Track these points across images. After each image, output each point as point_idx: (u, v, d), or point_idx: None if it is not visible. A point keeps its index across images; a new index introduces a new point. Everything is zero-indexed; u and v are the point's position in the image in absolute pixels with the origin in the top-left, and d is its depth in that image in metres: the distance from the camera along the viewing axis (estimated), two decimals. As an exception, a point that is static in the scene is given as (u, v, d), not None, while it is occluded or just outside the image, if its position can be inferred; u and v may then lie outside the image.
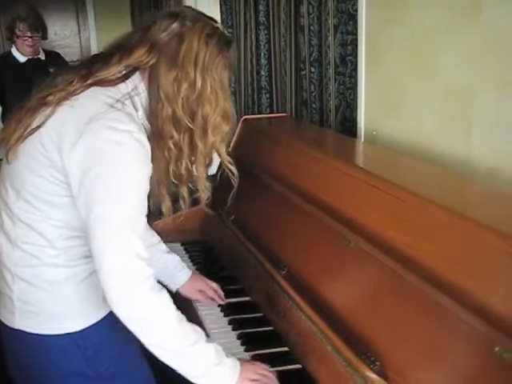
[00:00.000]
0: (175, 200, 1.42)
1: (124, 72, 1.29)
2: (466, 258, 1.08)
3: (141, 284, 1.20)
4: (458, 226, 1.13)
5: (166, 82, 1.26)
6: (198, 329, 1.28)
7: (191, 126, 1.29)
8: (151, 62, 1.28)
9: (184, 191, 1.39)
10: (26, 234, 1.29)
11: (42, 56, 3.56)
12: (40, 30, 3.42)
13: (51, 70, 3.33)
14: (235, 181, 1.44)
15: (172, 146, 1.29)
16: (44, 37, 3.50)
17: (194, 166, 1.35)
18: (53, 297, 1.32)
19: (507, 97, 1.58)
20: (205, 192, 1.38)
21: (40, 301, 1.32)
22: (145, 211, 1.25)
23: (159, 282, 1.51)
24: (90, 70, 1.29)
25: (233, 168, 1.43)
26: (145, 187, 1.24)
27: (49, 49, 3.88)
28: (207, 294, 1.74)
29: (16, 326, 1.33)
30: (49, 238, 1.29)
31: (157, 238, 1.73)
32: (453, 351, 1.03)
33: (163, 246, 1.74)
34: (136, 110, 1.28)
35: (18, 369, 1.40)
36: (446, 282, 1.07)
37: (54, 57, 3.67)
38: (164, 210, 1.39)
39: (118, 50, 1.31)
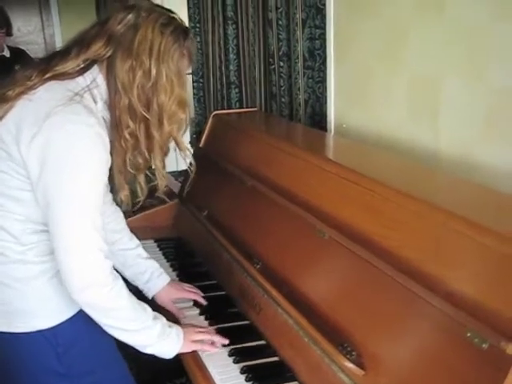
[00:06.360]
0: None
1: (82, 65, 1.31)
2: (438, 247, 1.10)
3: (99, 274, 1.26)
4: (428, 215, 1.16)
5: (121, 71, 1.28)
6: (147, 307, 1.38)
7: (147, 116, 1.31)
8: (108, 54, 1.30)
9: (141, 179, 1.42)
10: None
11: (7, 53, 3.49)
12: (4, 26, 3.35)
13: (16, 67, 3.27)
14: (191, 170, 1.53)
15: (128, 136, 1.31)
16: (8, 33, 3.43)
17: (151, 155, 1.37)
18: (22, 294, 1.32)
19: (472, 87, 1.61)
20: (162, 180, 1.42)
21: (9, 299, 1.32)
22: (102, 203, 1.27)
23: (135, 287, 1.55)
24: (49, 64, 1.31)
25: (192, 159, 1.51)
26: (102, 179, 1.27)
27: (12, 45, 3.80)
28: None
29: None
30: (13, 233, 1.29)
31: (135, 242, 1.71)
32: (427, 338, 1.05)
33: (141, 251, 1.71)
34: (95, 102, 1.30)
35: None
36: (420, 271, 1.10)
37: (18, 54, 3.61)
38: (122, 197, 1.43)
39: (76, 45, 1.33)
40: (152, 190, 1.46)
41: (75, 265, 1.23)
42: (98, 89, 1.31)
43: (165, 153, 1.40)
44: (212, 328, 1.53)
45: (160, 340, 1.37)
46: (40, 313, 1.33)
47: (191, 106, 1.42)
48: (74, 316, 1.36)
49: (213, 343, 1.45)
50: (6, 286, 1.31)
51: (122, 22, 1.30)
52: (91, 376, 1.39)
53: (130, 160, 1.35)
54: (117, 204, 1.61)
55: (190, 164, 1.51)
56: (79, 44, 1.32)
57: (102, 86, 1.32)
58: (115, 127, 1.31)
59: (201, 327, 1.50)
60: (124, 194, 1.42)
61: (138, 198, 1.45)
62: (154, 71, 1.28)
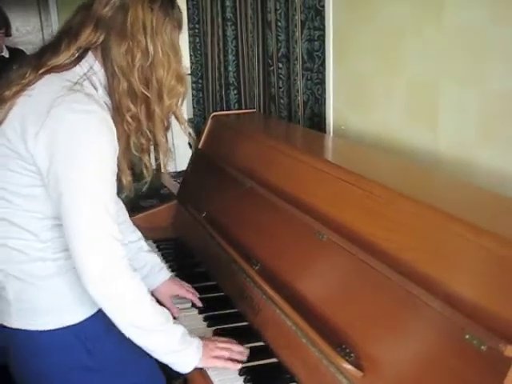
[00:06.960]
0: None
1: (76, 55, 1.30)
2: (437, 249, 1.10)
3: (116, 264, 1.23)
4: (427, 217, 1.16)
5: (118, 55, 1.27)
6: (166, 310, 1.34)
7: (147, 94, 1.31)
8: (100, 40, 1.29)
9: (146, 160, 1.41)
10: (8, 229, 1.29)
11: (6, 54, 3.49)
12: (3, 26, 3.35)
13: (15, 67, 3.27)
14: (193, 143, 1.50)
15: (130, 119, 1.32)
16: (7, 34, 3.43)
17: (153, 133, 1.37)
18: (46, 292, 1.32)
19: (471, 89, 1.62)
20: (166, 155, 1.42)
21: (34, 297, 1.32)
22: (114, 191, 1.27)
23: None
24: (41, 59, 1.30)
25: (191, 130, 1.51)
26: (112, 167, 1.26)
27: (10, 45, 3.80)
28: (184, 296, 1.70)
29: (14, 326, 1.32)
30: (32, 230, 1.29)
31: (137, 234, 1.72)
32: (426, 340, 1.05)
33: (143, 244, 1.72)
34: (95, 89, 1.30)
35: (19, 369, 1.37)
36: (419, 273, 1.10)
37: (18, 54, 3.59)
38: (124, 182, 1.41)
39: (64, 35, 1.32)
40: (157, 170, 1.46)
41: (90, 256, 1.21)
42: (96, 75, 1.31)
43: (166, 127, 1.40)
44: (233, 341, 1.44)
45: (181, 348, 1.31)
46: (66, 309, 1.33)
47: (187, 80, 1.41)
48: (100, 310, 1.33)
49: (233, 359, 1.38)
50: (29, 285, 1.31)
51: (107, 4, 1.28)
52: (120, 369, 1.38)
53: (134, 143, 1.35)
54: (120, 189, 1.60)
55: (191, 135, 1.51)
56: (67, 34, 1.31)
57: (100, 72, 1.32)
58: (116, 111, 1.31)
59: (222, 341, 1.42)
60: (127, 179, 1.41)
61: (144, 179, 1.44)
62: (151, 48, 1.28)
